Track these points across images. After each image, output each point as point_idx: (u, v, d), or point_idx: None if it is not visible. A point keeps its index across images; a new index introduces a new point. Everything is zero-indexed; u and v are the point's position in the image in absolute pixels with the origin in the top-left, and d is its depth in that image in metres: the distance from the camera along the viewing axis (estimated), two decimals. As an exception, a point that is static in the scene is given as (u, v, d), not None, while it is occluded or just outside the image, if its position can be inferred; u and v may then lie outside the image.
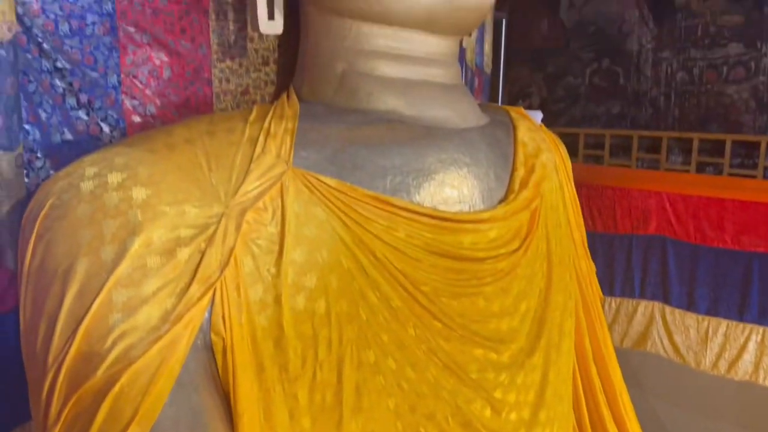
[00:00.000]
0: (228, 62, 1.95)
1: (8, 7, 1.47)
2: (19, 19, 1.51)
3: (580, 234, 2.08)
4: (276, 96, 2.00)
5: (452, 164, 1.67)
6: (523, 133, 1.93)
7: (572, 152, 4.27)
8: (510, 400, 1.74)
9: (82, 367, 1.17)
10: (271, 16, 1.68)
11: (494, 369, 1.69)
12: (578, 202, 2.12)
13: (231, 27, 1.93)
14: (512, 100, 4.66)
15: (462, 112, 1.79)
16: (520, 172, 1.82)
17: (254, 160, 1.40)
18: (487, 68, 3.10)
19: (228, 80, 1.95)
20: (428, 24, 1.68)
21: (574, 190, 2.10)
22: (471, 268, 1.64)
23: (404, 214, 1.51)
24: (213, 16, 1.89)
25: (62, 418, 1.16)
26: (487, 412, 1.68)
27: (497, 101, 4.28)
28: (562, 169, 2.06)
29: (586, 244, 2.12)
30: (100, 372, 1.16)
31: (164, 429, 1.19)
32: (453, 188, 1.65)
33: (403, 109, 1.71)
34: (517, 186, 1.79)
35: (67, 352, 1.17)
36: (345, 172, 1.50)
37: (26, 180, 1.55)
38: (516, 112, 2.05)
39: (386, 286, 1.48)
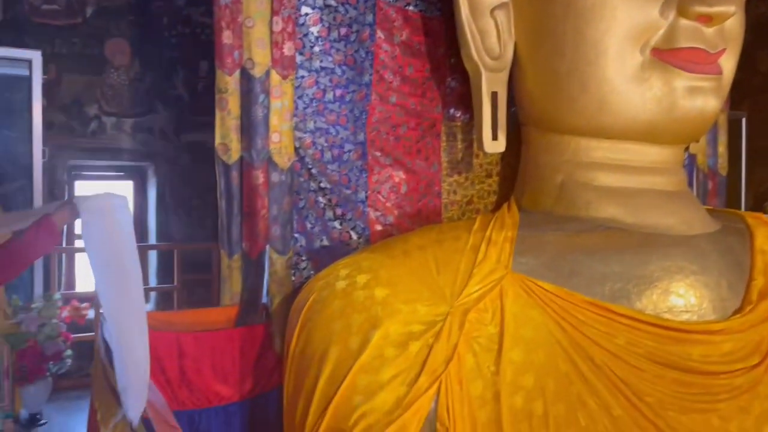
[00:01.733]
0: (456, 176, 2.18)
1: (289, 143, 1.89)
2: (296, 151, 1.91)
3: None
4: (498, 205, 2.16)
5: (678, 272, 1.64)
6: (763, 241, 1.81)
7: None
8: None
9: (329, 440, 1.38)
10: (494, 137, 1.88)
11: None
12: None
13: (459, 146, 2.18)
14: (758, 202, 4.23)
15: (687, 219, 1.76)
16: (759, 282, 1.70)
17: (476, 265, 1.55)
18: (722, 170, 2.93)
19: (455, 192, 2.18)
20: (648, 136, 1.74)
21: None
22: (702, 383, 1.55)
23: (624, 321, 1.52)
24: (444, 138, 2.16)
25: (314, 484, 1.37)
26: None
27: (739, 204, 3.94)
28: None
29: None
30: (343, 447, 1.35)
31: None
32: (679, 297, 1.61)
33: (623, 217, 1.74)
34: (755, 296, 1.67)
35: (319, 427, 1.39)
36: (562, 278, 1.58)
37: (293, 278, 1.90)
38: (754, 218, 1.93)
39: (606, 393, 1.48)
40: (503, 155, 2.17)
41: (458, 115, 2.17)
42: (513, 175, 2.06)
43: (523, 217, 1.76)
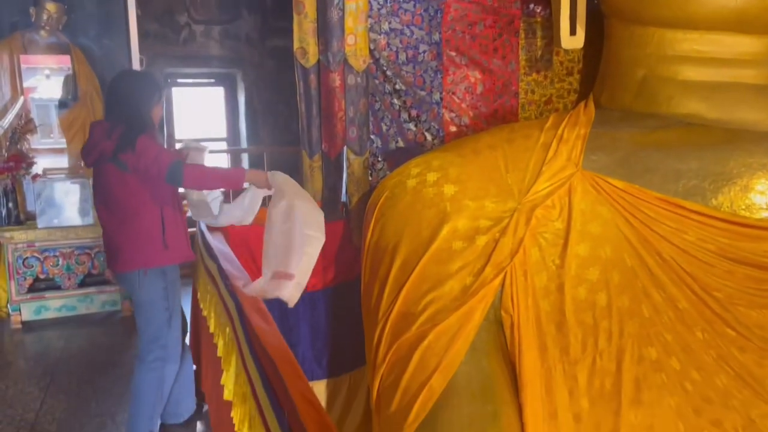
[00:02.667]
0: (534, 75, 2.15)
1: (363, 45, 1.92)
2: (371, 53, 1.94)
3: None
4: (579, 103, 2.13)
5: (760, 169, 1.59)
6: None
7: None
8: None
9: (401, 322, 1.51)
10: (573, 32, 1.83)
11: None
12: None
13: (538, 43, 2.13)
14: None
15: None
16: None
17: (546, 162, 1.58)
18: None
19: (533, 92, 2.16)
20: (739, 25, 1.63)
21: None
22: None
23: (695, 217, 1.51)
24: (522, 35, 2.11)
25: (386, 360, 1.51)
26: None
27: None
28: None
29: None
30: (414, 328, 1.48)
31: (459, 383, 1.45)
32: (759, 194, 1.57)
33: (705, 112, 1.68)
34: None
35: (392, 310, 1.52)
36: (634, 175, 1.58)
37: (370, 178, 1.99)
38: None
39: (672, 287, 1.51)
40: (586, 52, 2.10)
41: (538, 10, 2.11)
42: (595, 72, 2.01)
43: (599, 115, 1.74)
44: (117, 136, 1.84)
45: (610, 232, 1.52)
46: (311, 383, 1.94)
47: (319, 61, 1.90)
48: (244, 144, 5.86)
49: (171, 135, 5.37)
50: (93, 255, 3.57)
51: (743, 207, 1.55)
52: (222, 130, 6.04)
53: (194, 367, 2.35)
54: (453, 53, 2.03)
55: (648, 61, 1.75)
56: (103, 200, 1.94)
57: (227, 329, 1.53)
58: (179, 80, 5.92)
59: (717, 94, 1.67)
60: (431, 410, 1.43)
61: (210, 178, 1.83)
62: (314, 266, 1.93)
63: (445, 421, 1.42)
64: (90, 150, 1.92)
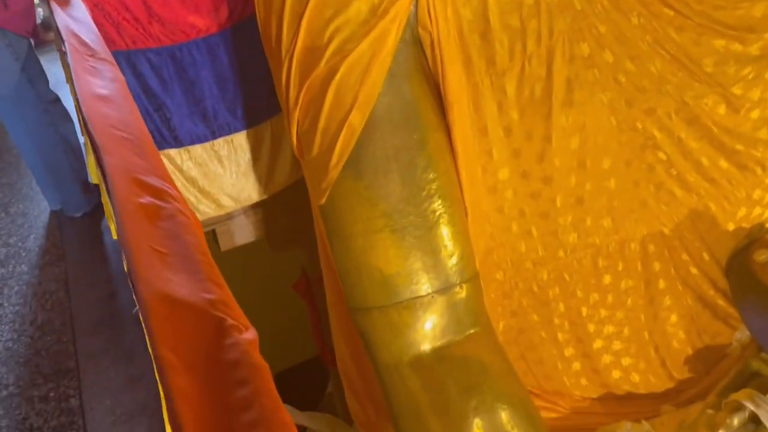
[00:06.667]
0: None
1: None
2: None
3: None
4: None
5: None
6: None
7: None
8: (753, 97, 1.54)
9: (307, 58, 1.32)
10: None
11: (737, 62, 1.49)
12: None
13: None
14: None
15: None
16: None
17: None
18: None
19: None
20: None
21: None
22: None
23: None
24: None
25: (299, 102, 1.36)
26: (721, 109, 1.53)
27: None
28: None
29: None
30: (322, 63, 1.30)
31: (380, 115, 1.32)
32: None
33: None
34: None
35: (294, 46, 1.32)
36: None
37: None
38: None
39: None
40: None
41: None
42: None
43: None
44: None
45: None
46: (230, 137, 1.81)
47: None
48: None
49: None
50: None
51: None
52: None
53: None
54: None
55: None
56: None
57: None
58: None
59: None
60: (354, 149, 1.33)
61: None
62: (204, 6, 1.66)
63: (370, 157, 1.33)
64: None
